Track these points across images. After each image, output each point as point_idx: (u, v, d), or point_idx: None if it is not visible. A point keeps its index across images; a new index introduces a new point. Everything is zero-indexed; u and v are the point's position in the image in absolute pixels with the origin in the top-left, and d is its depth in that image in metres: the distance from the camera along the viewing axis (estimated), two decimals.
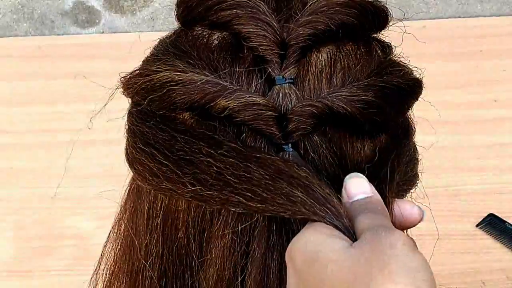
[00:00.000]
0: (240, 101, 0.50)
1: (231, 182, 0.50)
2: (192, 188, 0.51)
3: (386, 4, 0.57)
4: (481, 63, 1.39)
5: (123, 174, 0.58)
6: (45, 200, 1.17)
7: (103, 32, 1.49)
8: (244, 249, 0.52)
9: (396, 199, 0.53)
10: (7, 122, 1.31)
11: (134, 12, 1.48)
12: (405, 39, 0.59)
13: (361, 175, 0.50)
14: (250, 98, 0.50)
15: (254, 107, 0.50)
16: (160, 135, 0.52)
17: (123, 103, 0.57)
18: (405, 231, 0.57)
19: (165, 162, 0.52)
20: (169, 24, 1.48)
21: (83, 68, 1.38)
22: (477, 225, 1.14)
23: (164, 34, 0.58)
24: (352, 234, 0.46)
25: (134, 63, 0.57)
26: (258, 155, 0.50)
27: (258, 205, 0.49)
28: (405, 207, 0.52)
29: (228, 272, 0.52)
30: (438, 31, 1.46)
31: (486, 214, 1.14)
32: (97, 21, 1.49)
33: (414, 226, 0.53)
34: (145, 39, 0.63)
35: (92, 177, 1.19)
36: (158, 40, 0.58)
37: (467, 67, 1.38)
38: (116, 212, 0.60)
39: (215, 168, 0.50)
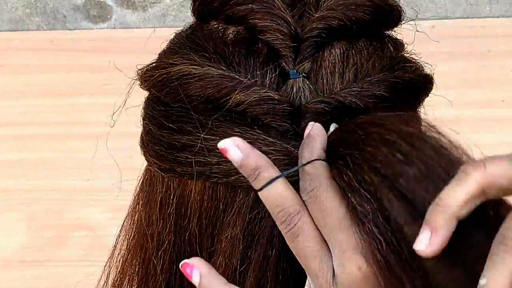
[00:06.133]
0: (255, 96, 0.51)
1: None
2: None
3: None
4: (489, 63, 1.39)
5: (136, 168, 0.59)
6: (58, 191, 1.18)
7: (114, 28, 1.50)
8: (251, 239, 0.52)
9: None
10: (19, 114, 1.32)
11: (146, 8, 1.49)
12: (414, 39, 0.60)
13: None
14: (266, 93, 0.51)
15: (269, 102, 0.51)
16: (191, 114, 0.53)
17: (138, 98, 0.58)
18: None
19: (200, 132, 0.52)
20: (180, 20, 1.49)
21: (94, 63, 1.39)
22: None
23: (176, 30, 0.59)
24: None
25: (145, 59, 0.58)
26: None
27: None
28: None
29: (236, 261, 0.53)
30: (446, 31, 1.46)
31: None
32: (109, 16, 1.49)
33: None
34: (158, 34, 0.64)
35: (105, 169, 1.20)
36: (174, 34, 0.58)
37: (475, 67, 1.39)
38: (130, 203, 0.61)
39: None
